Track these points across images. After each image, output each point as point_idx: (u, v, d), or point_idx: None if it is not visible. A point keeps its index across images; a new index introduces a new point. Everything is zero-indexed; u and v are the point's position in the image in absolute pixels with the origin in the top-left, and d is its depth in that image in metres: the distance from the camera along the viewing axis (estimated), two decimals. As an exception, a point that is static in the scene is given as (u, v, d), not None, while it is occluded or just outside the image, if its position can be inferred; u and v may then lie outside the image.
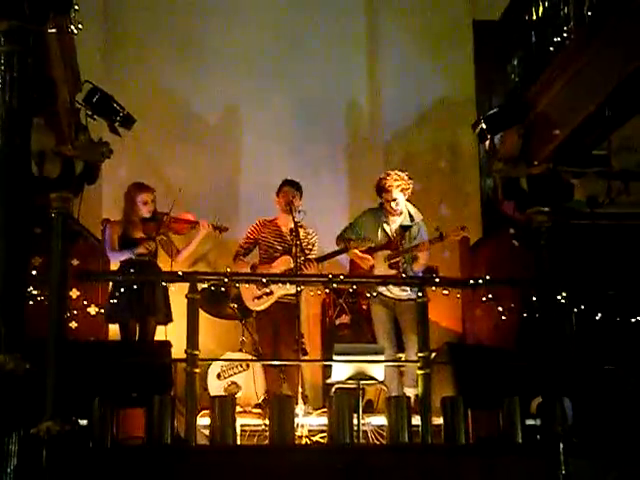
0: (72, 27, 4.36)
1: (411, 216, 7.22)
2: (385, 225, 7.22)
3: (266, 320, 7.19)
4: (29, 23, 3.85)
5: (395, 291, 7.02)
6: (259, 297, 7.15)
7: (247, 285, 7.04)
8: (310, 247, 7.25)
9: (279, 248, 7.27)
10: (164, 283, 6.60)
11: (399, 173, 7.14)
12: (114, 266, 7.15)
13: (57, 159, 5.06)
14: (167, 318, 6.91)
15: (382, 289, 7.00)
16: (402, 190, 7.10)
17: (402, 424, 5.59)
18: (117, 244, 6.90)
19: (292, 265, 6.97)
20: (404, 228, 7.18)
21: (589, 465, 5.32)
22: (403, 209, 7.20)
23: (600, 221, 6.64)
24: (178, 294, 6.20)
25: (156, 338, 6.82)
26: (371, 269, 7.17)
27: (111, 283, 6.82)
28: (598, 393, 5.89)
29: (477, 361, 6.29)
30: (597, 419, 5.73)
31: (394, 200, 7.11)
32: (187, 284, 5.77)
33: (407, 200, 7.22)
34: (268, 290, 7.08)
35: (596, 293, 6.74)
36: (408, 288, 6.93)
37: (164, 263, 7.11)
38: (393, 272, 7.06)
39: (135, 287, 6.67)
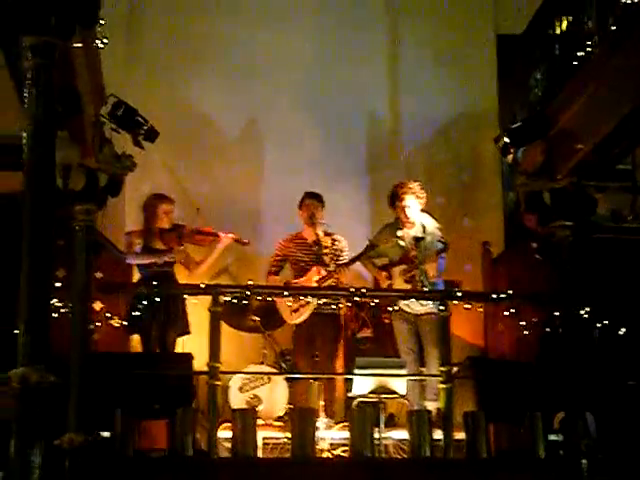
0: (97, 41, 4.40)
1: (424, 227, 7.20)
2: (400, 240, 7.19)
3: (301, 331, 7.21)
4: (55, 37, 3.87)
5: (414, 306, 7.01)
6: (296, 310, 7.16)
7: (272, 299, 7.03)
8: (339, 253, 7.29)
9: (308, 260, 7.30)
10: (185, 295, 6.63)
11: (412, 183, 7.17)
12: (136, 278, 7.21)
13: (81, 172, 5.10)
14: (185, 330, 6.95)
15: (402, 304, 6.99)
16: (415, 197, 7.10)
17: (424, 438, 5.58)
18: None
19: (323, 274, 7.01)
20: (417, 240, 7.16)
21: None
22: (416, 220, 7.18)
23: (624, 235, 6.60)
24: (198, 306, 6.21)
25: (175, 350, 6.86)
26: (389, 286, 7.16)
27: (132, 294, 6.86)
28: (621, 409, 5.84)
29: (499, 375, 6.25)
30: (620, 435, 5.68)
31: (407, 207, 7.10)
32: (207, 297, 5.81)
33: (422, 211, 7.21)
34: (304, 302, 7.08)
35: (619, 308, 6.68)
36: (427, 302, 6.92)
37: (181, 274, 7.14)
38: (409, 287, 7.04)
39: (157, 299, 6.69)
